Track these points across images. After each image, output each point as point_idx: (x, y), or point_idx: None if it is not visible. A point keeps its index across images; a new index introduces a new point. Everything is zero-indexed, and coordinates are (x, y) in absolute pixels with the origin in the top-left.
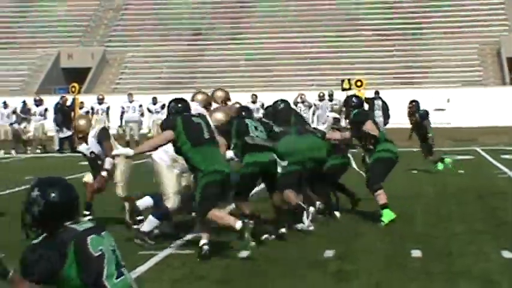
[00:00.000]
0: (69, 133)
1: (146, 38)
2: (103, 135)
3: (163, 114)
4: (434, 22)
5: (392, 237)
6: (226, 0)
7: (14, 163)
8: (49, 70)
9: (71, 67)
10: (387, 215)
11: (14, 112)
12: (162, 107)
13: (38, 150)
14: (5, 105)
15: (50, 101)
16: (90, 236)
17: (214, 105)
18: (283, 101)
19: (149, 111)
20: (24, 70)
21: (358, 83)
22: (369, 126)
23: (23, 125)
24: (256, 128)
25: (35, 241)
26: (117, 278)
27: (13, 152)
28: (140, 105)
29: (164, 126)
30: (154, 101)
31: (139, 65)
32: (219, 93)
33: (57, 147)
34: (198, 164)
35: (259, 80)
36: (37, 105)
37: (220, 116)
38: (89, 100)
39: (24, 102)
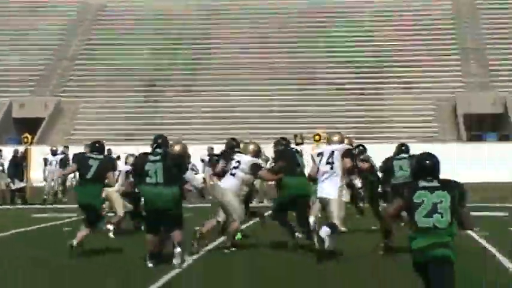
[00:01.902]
0: (22, 184)
1: (100, 89)
2: None
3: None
4: (392, 78)
5: None
6: (182, 52)
7: None
8: (0, 120)
9: (23, 117)
10: None
11: None
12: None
13: None
14: None
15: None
16: (420, 191)
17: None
18: None
19: None
20: None
21: (317, 137)
22: None
23: None
24: None
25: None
26: (424, 217)
27: None
28: None
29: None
30: (109, 152)
31: (93, 115)
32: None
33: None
34: None
35: (216, 133)
36: None
37: None
38: (40, 151)
39: None
